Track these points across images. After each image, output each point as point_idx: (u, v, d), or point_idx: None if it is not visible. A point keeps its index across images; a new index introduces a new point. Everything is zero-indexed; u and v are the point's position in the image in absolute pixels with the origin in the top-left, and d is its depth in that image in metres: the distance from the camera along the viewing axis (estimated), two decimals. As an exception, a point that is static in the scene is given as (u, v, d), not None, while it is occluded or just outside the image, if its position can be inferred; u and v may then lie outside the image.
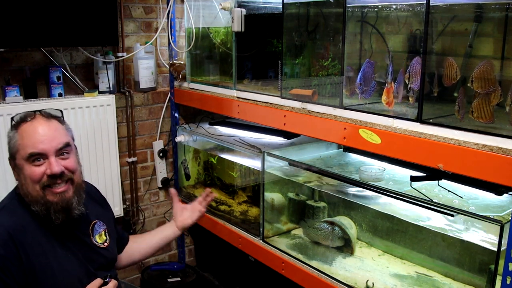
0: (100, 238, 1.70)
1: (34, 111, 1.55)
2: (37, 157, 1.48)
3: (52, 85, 2.50)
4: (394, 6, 1.80)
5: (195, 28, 2.68)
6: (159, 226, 3.13)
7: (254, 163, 2.39)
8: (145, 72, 2.83)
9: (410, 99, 1.65)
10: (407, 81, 1.63)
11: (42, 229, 1.53)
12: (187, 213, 2.09)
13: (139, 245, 1.97)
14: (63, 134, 1.56)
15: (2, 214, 1.51)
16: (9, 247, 1.42)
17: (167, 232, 2.05)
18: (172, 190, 2.16)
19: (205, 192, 2.16)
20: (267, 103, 2.19)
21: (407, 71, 1.62)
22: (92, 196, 1.79)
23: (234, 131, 2.68)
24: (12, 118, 1.54)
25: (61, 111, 1.63)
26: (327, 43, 1.99)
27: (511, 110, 1.41)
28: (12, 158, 1.54)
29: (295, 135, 2.38)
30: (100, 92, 2.64)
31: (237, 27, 2.32)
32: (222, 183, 2.91)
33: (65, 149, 1.54)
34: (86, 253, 1.62)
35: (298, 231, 2.41)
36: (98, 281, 1.54)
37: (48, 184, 1.50)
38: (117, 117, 2.69)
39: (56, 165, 1.49)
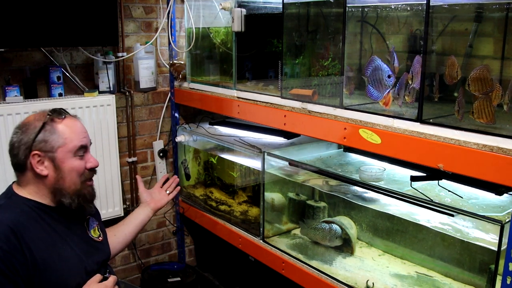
0: (95, 233, 1.75)
1: (61, 110, 1.64)
2: (82, 150, 1.61)
3: (52, 85, 2.50)
4: (394, 6, 1.79)
5: (195, 28, 2.68)
6: (158, 226, 3.14)
7: (254, 163, 2.39)
8: (145, 72, 2.83)
9: (406, 98, 1.65)
10: (410, 82, 1.62)
11: (42, 225, 1.54)
12: (157, 195, 2.22)
13: (118, 238, 1.98)
14: None
15: (0, 211, 1.51)
16: (11, 242, 1.43)
17: (141, 217, 2.11)
18: (138, 176, 2.29)
19: (172, 179, 2.31)
20: (267, 103, 2.19)
21: (410, 71, 1.61)
22: None
23: (234, 131, 2.68)
24: (49, 113, 1.59)
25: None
26: (327, 43, 1.99)
27: (509, 109, 1.41)
28: (48, 151, 1.55)
29: (295, 135, 2.38)
30: (100, 92, 2.64)
31: (237, 27, 2.32)
32: (222, 183, 2.91)
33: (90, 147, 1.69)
34: (85, 247, 1.65)
35: (298, 231, 2.41)
36: (98, 276, 1.58)
37: (88, 177, 1.65)
38: (117, 117, 2.69)
39: (94, 159, 1.66)
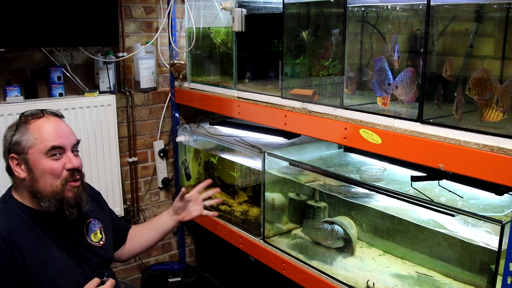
0: (95, 237, 1.70)
1: (41, 110, 1.57)
2: (57, 151, 1.51)
3: (52, 85, 2.50)
4: (394, 6, 1.79)
5: (195, 28, 2.68)
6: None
7: (255, 163, 2.39)
8: (145, 72, 2.83)
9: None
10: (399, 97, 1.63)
11: (37, 231, 1.52)
12: (192, 205, 1.97)
13: (139, 240, 1.95)
14: (73, 132, 1.61)
15: None
16: (4, 250, 1.41)
17: (166, 228, 1.97)
18: (183, 189, 1.97)
19: (212, 191, 2.04)
20: (267, 103, 2.19)
21: (396, 84, 1.62)
22: (88, 193, 1.76)
23: (234, 131, 2.68)
24: (22, 114, 1.55)
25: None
26: (327, 43, 1.99)
27: (504, 110, 1.41)
28: (21, 153, 1.50)
29: (296, 135, 2.38)
30: (100, 92, 2.64)
31: (238, 27, 2.32)
32: (222, 183, 2.91)
33: (76, 147, 1.59)
34: (82, 252, 1.61)
35: (299, 231, 2.41)
36: (95, 280, 1.55)
37: (68, 179, 1.53)
38: (117, 117, 2.69)
39: (75, 159, 1.54)
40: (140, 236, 1.95)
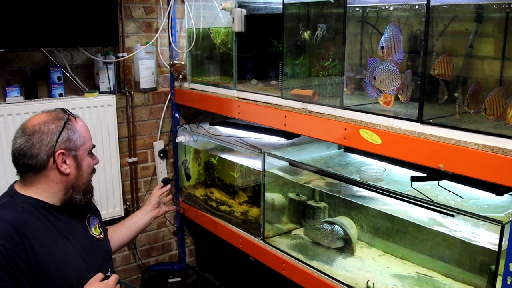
0: (96, 231, 1.75)
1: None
2: (92, 150, 1.69)
3: (52, 86, 2.50)
4: (393, 7, 1.79)
5: (195, 28, 2.68)
6: (158, 227, 3.14)
7: (255, 163, 2.39)
8: (145, 72, 2.83)
9: (400, 97, 1.65)
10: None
11: (45, 223, 1.54)
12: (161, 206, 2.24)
13: (114, 241, 1.97)
14: None
15: (3, 209, 1.51)
16: (14, 240, 1.43)
17: (141, 224, 2.12)
18: (161, 184, 2.31)
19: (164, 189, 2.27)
20: (267, 103, 2.19)
21: (374, 75, 1.63)
22: None
23: (234, 131, 2.68)
24: (68, 111, 1.63)
25: None
26: (327, 43, 1.99)
27: (497, 118, 1.42)
28: (72, 150, 1.58)
29: (296, 135, 2.38)
30: (100, 93, 2.64)
31: (238, 27, 2.32)
32: (222, 184, 2.91)
33: None
34: (86, 245, 1.66)
35: (299, 231, 2.41)
36: (99, 275, 1.58)
37: (93, 173, 1.72)
38: (117, 117, 2.69)
39: (97, 157, 1.73)
40: (114, 236, 1.99)
